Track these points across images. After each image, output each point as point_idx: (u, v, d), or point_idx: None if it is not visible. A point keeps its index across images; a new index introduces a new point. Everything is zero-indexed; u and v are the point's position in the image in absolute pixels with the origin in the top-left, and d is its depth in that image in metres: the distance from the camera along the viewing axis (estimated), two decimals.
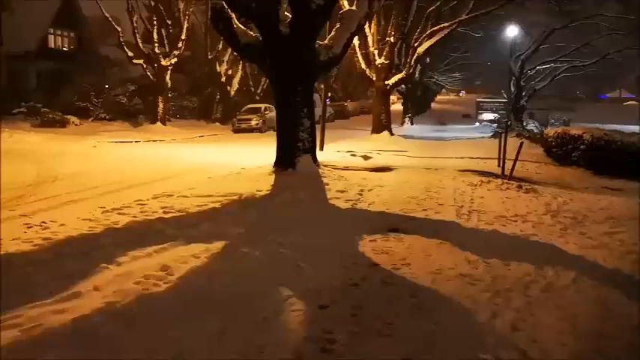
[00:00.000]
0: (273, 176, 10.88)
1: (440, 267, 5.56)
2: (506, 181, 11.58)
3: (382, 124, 25.36)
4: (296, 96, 11.71)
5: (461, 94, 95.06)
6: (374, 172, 12.62)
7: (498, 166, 13.51)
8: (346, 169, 12.99)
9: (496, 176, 12.25)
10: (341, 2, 17.86)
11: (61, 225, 6.63)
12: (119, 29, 29.89)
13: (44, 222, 6.85)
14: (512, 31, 32.76)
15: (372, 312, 4.38)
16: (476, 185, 10.99)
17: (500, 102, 49.10)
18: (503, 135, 14.35)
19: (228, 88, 37.73)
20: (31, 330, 3.72)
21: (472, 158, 16.18)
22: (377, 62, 24.58)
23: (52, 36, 35.31)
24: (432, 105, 71.63)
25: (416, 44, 24.63)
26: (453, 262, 5.75)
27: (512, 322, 4.22)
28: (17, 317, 3.91)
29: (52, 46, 35.33)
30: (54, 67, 33.39)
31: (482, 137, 27.52)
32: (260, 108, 32.92)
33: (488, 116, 48.92)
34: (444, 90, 77.93)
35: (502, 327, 4.14)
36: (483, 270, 5.50)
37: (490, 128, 35.72)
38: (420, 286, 5.00)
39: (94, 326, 3.82)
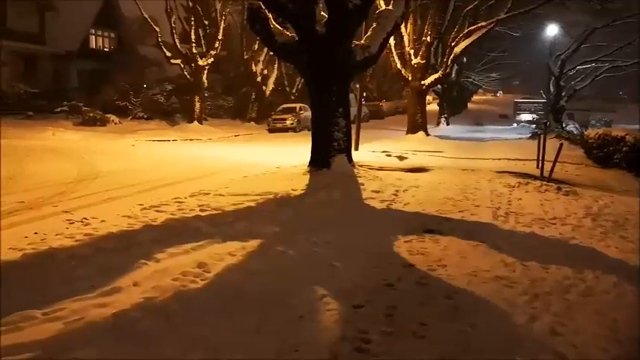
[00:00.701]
0: (308, 176, 10.91)
1: (476, 269, 5.50)
2: (545, 182, 11.37)
3: (417, 125, 25.17)
4: (331, 95, 11.72)
5: (498, 94, 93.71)
6: (409, 173, 12.55)
7: (537, 167, 13.27)
8: (381, 169, 12.95)
9: (534, 178, 12.03)
10: (377, 2, 17.80)
11: (102, 221, 6.77)
12: (157, 29, 30.38)
13: (85, 218, 7.02)
14: (551, 31, 32.08)
15: (406, 313, 4.36)
16: (513, 187, 10.83)
17: (538, 102, 48.13)
18: (542, 136, 14.10)
19: (264, 87, 37.99)
20: (73, 323, 3.81)
21: (510, 159, 15.92)
22: (413, 62, 24.42)
23: (93, 36, 36.18)
24: (469, 105, 70.74)
25: (452, 44, 24.38)
26: (489, 264, 5.68)
27: (551, 326, 4.15)
28: (61, 310, 4.03)
29: (93, 46, 36.22)
30: (95, 67, 34.22)
31: (520, 138, 27.06)
32: (295, 107, 33.09)
33: (526, 117, 48.06)
34: (480, 90, 76.92)
35: (540, 331, 4.07)
36: (521, 273, 5.41)
37: (528, 129, 35.08)
38: (456, 288, 4.95)
39: (133, 321, 3.90)
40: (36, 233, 6.11)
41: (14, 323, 3.78)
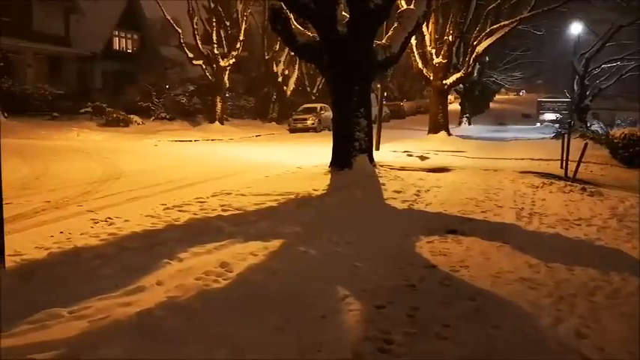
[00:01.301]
0: (329, 176, 10.91)
1: (499, 270, 5.44)
2: (570, 183, 11.22)
3: (439, 124, 25.01)
4: (353, 95, 11.70)
5: (521, 94, 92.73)
6: (431, 173, 12.49)
7: (561, 167, 13.10)
8: (402, 169, 12.90)
9: (559, 178, 11.89)
10: (399, 1, 17.72)
11: (126, 221, 6.85)
12: (180, 31, 30.63)
13: (109, 218, 7.12)
14: (576, 29, 31.61)
15: (429, 313, 4.33)
16: (537, 187, 10.71)
17: (562, 102, 47.42)
18: (566, 136, 13.92)
19: (285, 87, 38.08)
20: (99, 321, 3.86)
21: (533, 159, 15.74)
22: (434, 62, 24.25)
23: (117, 38, 36.64)
24: (491, 104, 70.05)
25: (475, 43, 24.16)
26: (513, 265, 5.62)
27: (577, 328, 4.08)
28: (87, 308, 4.08)
29: (117, 47, 36.66)
30: (118, 68, 34.66)
31: (544, 138, 26.73)
32: (316, 108, 33.14)
33: (549, 116, 47.45)
34: (503, 89, 76.12)
35: (565, 333, 4.02)
36: (545, 274, 5.34)
37: (552, 129, 34.62)
38: (479, 289, 4.90)
39: (157, 320, 3.93)
40: (61, 232, 6.22)
41: (41, 321, 3.84)
